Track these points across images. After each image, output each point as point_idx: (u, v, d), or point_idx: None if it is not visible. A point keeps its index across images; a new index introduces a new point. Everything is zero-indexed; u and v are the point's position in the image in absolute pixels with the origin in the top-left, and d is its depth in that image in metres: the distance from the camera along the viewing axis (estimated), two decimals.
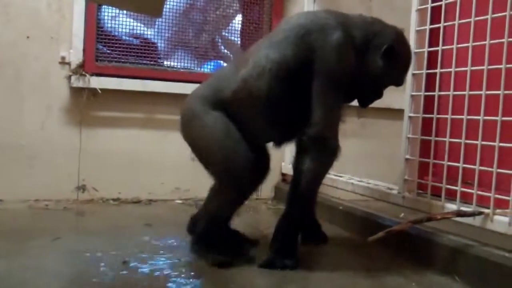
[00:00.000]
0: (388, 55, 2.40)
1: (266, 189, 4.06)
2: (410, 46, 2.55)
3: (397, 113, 3.15)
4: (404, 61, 2.53)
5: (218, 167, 2.42)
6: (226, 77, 2.48)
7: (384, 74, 2.46)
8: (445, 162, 2.48)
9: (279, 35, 2.40)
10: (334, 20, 2.37)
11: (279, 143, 2.64)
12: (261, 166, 2.62)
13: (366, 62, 2.41)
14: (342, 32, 2.33)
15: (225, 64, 2.89)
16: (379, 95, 2.59)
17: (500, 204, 2.18)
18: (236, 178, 2.37)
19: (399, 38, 2.47)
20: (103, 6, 3.65)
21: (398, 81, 2.56)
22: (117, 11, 3.68)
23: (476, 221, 2.25)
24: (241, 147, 2.38)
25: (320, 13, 2.48)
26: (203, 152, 2.47)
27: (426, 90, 2.66)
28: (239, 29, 4.12)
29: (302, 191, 2.35)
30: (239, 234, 2.68)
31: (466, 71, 2.38)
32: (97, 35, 3.63)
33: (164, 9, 3.69)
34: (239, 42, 4.12)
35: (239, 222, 2.75)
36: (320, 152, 2.33)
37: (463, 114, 2.39)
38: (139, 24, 3.83)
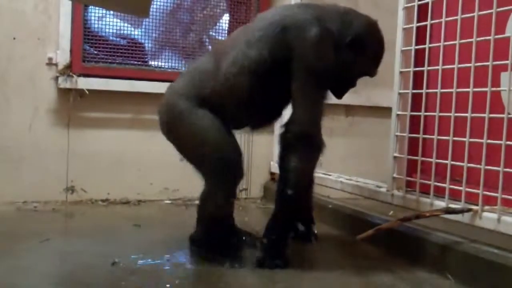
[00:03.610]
0: (353, 46, 2.39)
1: (255, 188, 4.07)
2: (381, 37, 2.51)
3: (385, 111, 3.15)
4: (372, 51, 2.49)
5: (211, 162, 2.41)
6: (207, 73, 2.46)
7: (352, 64, 2.44)
8: (433, 160, 2.49)
9: (255, 34, 2.40)
10: (311, 14, 2.36)
11: (254, 128, 2.67)
12: None
13: (340, 54, 2.39)
14: (320, 27, 2.31)
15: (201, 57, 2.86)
16: (352, 85, 2.57)
17: (489, 201, 2.19)
18: (229, 170, 2.39)
19: (368, 28, 2.45)
20: (90, 7, 3.64)
21: (370, 72, 2.53)
22: (104, 11, 3.67)
23: (465, 218, 2.26)
24: (230, 141, 2.42)
25: (295, 8, 2.48)
26: (193, 149, 2.47)
27: (414, 88, 2.67)
28: (226, 28, 4.12)
29: (291, 189, 2.33)
30: (245, 232, 2.69)
31: (453, 68, 2.39)
32: (84, 35, 3.61)
33: (151, 9, 3.68)
34: None
35: None
36: (305, 149, 2.33)
37: (450, 112, 2.40)
38: (126, 25, 3.81)
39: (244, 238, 2.65)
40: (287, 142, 2.36)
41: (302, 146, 2.32)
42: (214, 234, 2.45)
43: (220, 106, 2.42)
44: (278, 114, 2.61)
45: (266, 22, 2.42)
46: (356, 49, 2.40)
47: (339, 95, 2.59)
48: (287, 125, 2.37)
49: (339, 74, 2.44)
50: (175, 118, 2.47)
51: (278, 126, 2.74)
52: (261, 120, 2.61)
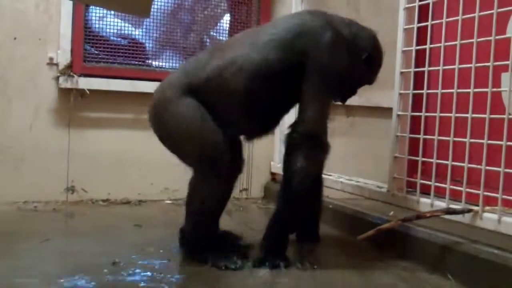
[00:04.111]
0: (367, 61, 2.48)
1: (256, 188, 4.07)
2: (382, 49, 2.59)
3: (385, 112, 3.15)
4: (378, 64, 2.59)
5: (194, 155, 2.37)
6: (202, 64, 2.42)
7: (362, 76, 2.56)
8: (434, 160, 2.49)
9: (264, 38, 2.39)
10: (322, 21, 2.38)
11: (251, 137, 2.62)
12: (236, 156, 2.56)
13: (350, 62, 2.43)
14: (334, 31, 2.34)
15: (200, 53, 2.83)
16: (354, 93, 2.67)
17: (489, 202, 2.19)
18: (214, 164, 2.32)
19: (375, 43, 2.53)
20: (91, 7, 3.64)
21: (371, 81, 2.64)
22: (105, 11, 3.67)
23: (465, 218, 2.26)
24: (214, 132, 2.33)
25: (305, 15, 2.48)
26: (176, 140, 2.42)
27: (415, 89, 2.68)
28: (227, 29, 4.12)
29: (294, 189, 2.33)
30: (230, 234, 2.66)
31: (454, 69, 2.39)
32: (85, 35, 3.62)
33: (152, 9, 3.68)
34: None
35: (230, 222, 2.75)
36: (312, 149, 2.32)
37: (451, 112, 2.40)
38: (127, 25, 3.81)
39: (228, 240, 2.62)
40: (293, 142, 2.35)
41: (308, 146, 2.31)
42: (202, 228, 2.40)
43: (212, 100, 2.36)
44: (276, 122, 2.60)
45: (277, 28, 2.42)
46: (368, 64, 2.49)
47: (342, 100, 2.66)
48: (293, 125, 2.37)
49: (346, 82, 2.48)
50: (162, 104, 2.42)
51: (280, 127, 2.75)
52: (258, 126, 2.55)
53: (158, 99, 2.45)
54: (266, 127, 2.57)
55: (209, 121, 2.34)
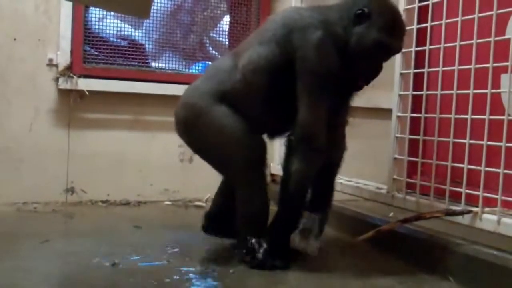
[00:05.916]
0: (361, 19, 2.31)
1: None
2: (390, 3, 2.39)
3: (385, 113, 3.15)
4: (386, 19, 2.33)
5: (239, 163, 2.40)
6: (226, 70, 2.46)
7: (369, 41, 2.31)
8: (434, 161, 2.49)
9: (267, 34, 2.42)
10: (317, 18, 2.36)
11: (273, 135, 2.66)
12: None
13: (353, 39, 2.33)
14: (323, 31, 2.31)
15: (221, 57, 2.82)
16: (378, 69, 2.38)
17: (489, 203, 2.19)
18: (259, 168, 2.42)
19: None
20: (91, 8, 3.64)
21: (393, 46, 2.37)
22: (105, 12, 3.67)
23: (465, 219, 2.25)
24: (254, 137, 2.42)
25: (304, 12, 2.47)
26: (216, 149, 2.45)
27: (414, 90, 2.67)
28: (227, 30, 4.12)
29: (292, 192, 2.34)
30: None
31: (454, 70, 2.39)
32: (85, 36, 3.62)
33: (152, 10, 3.68)
34: (227, 43, 4.12)
35: None
36: (307, 151, 2.32)
37: (451, 113, 2.40)
38: (126, 26, 3.82)
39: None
40: (289, 145, 2.38)
41: (304, 149, 2.32)
42: (261, 234, 2.38)
43: (238, 105, 2.40)
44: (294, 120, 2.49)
45: (275, 24, 2.43)
46: (365, 22, 2.31)
47: (367, 82, 2.44)
48: (292, 127, 2.37)
49: (360, 59, 2.34)
50: (194, 115, 2.44)
51: None
52: (282, 123, 2.52)
53: (190, 108, 2.46)
54: (287, 124, 2.49)
55: (245, 125, 2.40)
